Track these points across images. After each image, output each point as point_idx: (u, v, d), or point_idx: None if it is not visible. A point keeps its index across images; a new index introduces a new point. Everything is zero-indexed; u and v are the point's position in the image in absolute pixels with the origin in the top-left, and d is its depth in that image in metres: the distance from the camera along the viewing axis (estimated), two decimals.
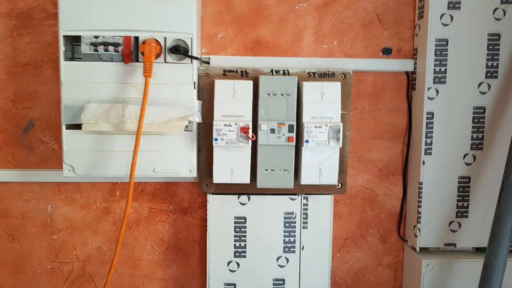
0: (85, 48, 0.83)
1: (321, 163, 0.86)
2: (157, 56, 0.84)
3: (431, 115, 0.92)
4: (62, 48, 0.83)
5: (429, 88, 0.92)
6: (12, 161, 0.95)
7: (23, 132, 0.94)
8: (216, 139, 0.84)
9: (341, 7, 0.95)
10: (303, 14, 0.95)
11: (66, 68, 0.83)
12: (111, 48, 0.83)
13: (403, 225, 1.01)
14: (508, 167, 0.85)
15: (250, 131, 0.84)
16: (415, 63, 0.97)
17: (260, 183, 0.86)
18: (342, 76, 0.92)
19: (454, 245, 0.95)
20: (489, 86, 0.91)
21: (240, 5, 0.94)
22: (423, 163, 0.94)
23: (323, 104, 0.86)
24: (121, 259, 0.98)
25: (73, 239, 0.98)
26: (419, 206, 0.95)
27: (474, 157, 0.93)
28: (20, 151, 0.94)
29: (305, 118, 0.85)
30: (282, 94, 0.85)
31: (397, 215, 1.00)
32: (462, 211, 0.94)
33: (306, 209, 0.93)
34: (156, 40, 0.84)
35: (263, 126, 0.84)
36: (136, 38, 0.84)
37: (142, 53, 0.82)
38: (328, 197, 0.93)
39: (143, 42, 0.82)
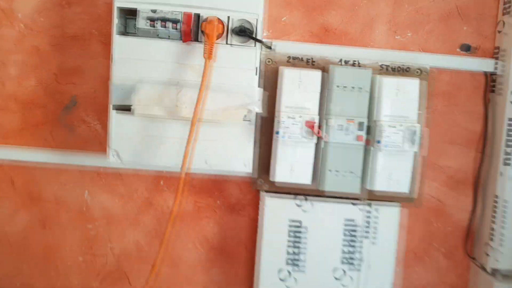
0: (141, 23, 0.75)
1: (393, 167, 0.77)
2: (219, 36, 0.76)
3: None
4: (115, 21, 0.76)
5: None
6: (50, 141, 0.88)
7: (64, 109, 0.87)
8: (278, 132, 0.76)
9: None
10: (376, 0, 0.86)
11: (119, 43, 0.76)
12: (169, 24, 0.75)
13: (471, 242, 0.91)
14: None
15: (316, 125, 0.75)
16: (496, 63, 0.87)
17: (325, 186, 0.77)
18: (417, 72, 0.82)
19: None
20: None
21: None
22: (501, 174, 0.84)
23: (399, 102, 0.77)
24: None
25: (109, 231, 0.90)
26: (493, 222, 0.85)
27: None
28: (59, 130, 0.87)
29: (378, 115, 0.76)
30: (353, 88, 0.76)
31: (465, 230, 0.90)
32: None
33: (369, 217, 0.84)
34: (219, 19, 0.75)
35: (332, 122, 0.75)
36: (197, 16, 0.75)
37: (203, 32, 0.74)
38: (395, 206, 0.84)
39: (205, 20, 0.74)
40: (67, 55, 0.85)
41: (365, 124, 0.75)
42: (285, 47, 0.83)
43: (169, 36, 0.76)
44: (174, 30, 0.75)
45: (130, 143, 0.78)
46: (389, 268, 0.84)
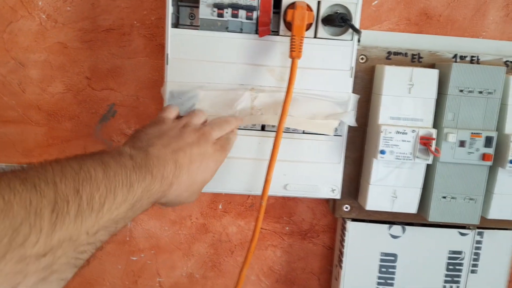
0: (205, 12, 0.57)
1: None
2: (308, 27, 0.58)
3: None
4: (170, 9, 0.58)
5: None
6: None
7: (100, 120, 0.70)
8: (383, 152, 0.59)
9: None
10: None
11: (175, 38, 0.58)
12: (242, 13, 0.57)
13: None
14: None
15: (434, 143, 0.58)
16: None
17: (433, 215, 0.62)
18: None
19: None
20: None
21: None
22: None
23: None
24: None
25: (157, 262, 0.75)
26: None
27: None
28: (96, 145, 0.71)
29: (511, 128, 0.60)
30: (480, 92, 0.59)
31: None
32: None
33: (479, 248, 0.69)
34: (308, 4, 0.57)
35: (451, 137, 0.59)
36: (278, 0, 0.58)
37: (288, 23, 0.56)
38: (509, 234, 0.69)
39: (291, 6, 0.56)
40: (103, 53, 0.67)
41: (495, 139, 0.59)
42: (379, 37, 0.66)
43: (241, 29, 0.58)
44: (249, 20, 0.57)
45: None
46: None
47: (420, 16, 0.68)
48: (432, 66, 0.63)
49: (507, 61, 0.64)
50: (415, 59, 0.64)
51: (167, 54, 0.59)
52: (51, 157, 0.68)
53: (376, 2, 0.68)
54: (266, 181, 0.57)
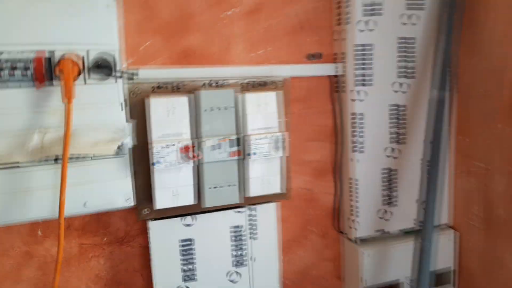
0: None
1: (265, 173, 0.86)
2: (78, 74, 0.74)
3: (356, 115, 0.98)
4: None
5: (351, 91, 0.97)
6: None
7: None
8: (154, 163, 0.78)
9: (268, 13, 0.95)
10: (229, 23, 0.92)
11: None
12: (18, 72, 0.70)
13: (338, 219, 1.07)
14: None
15: (191, 150, 0.79)
16: (336, 67, 1.01)
17: (207, 202, 0.83)
18: (272, 84, 0.92)
19: (384, 231, 1.04)
20: (408, 86, 1.00)
21: (164, 12, 0.87)
22: (351, 160, 1.00)
23: (261, 114, 0.86)
24: None
25: None
26: (351, 200, 1.02)
27: (395, 150, 1.02)
28: None
29: (246, 130, 0.84)
30: (219, 108, 0.82)
31: (332, 210, 1.06)
32: (389, 200, 1.03)
33: (255, 220, 0.92)
34: (73, 60, 0.73)
35: (208, 143, 0.81)
36: (48, 58, 0.72)
37: (60, 73, 0.71)
38: (272, 205, 0.94)
39: (59, 62, 0.71)
40: None
41: (235, 140, 0.82)
42: (148, 74, 0.85)
43: (20, 85, 0.71)
44: (25, 74, 0.71)
45: None
46: (274, 260, 0.95)
47: (182, 53, 0.89)
48: (191, 90, 0.84)
49: (242, 82, 0.89)
50: (175, 88, 0.84)
51: None
52: None
53: (142, 47, 0.87)
54: (60, 203, 0.71)
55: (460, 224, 1.09)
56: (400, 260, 1.02)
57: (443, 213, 1.09)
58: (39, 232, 0.84)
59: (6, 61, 0.69)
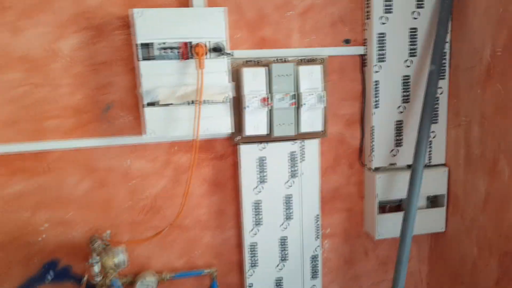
0: (156, 51, 1.25)
1: (312, 117, 1.37)
2: (205, 53, 1.28)
3: (376, 83, 1.44)
4: (140, 52, 1.24)
5: (374, 65, 1.43)
6: (98, 132, 1.35)
7: (103, 111, 1.34)
8: (245, 107, 1.31)
9: (315, 13, 1.43)
10: (290, 18, 1.42)
11: (144, 65, 1.25)
12: (174, 50, 1.26)
13: (363, 156, 1.55)
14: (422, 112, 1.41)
15: (267, 100, 1.31)
16: (365, 49, 1.48)
17: (276, 133, 1.35)
18: (321, 60, 1.41)
19: (393, 164, 1.51)
20: (412, 62, 1.45)
21: (248, 14, 1.39)
22: (373, 113, 1.47)
23: (311, 80, 1.36)
24: (179, 192, 1.43)
25: (145, 183, 1.41)
26: (372, 142, 1.49)
27: (405, 107, 1.48)
28: (103, 125, 1.35)
29: (299, 89, 1.35)
30: (285, 75, 1.33)
31: (358, 150, 1.54)
32: (398, 142, 1.49)
33: (303, 149, 1.43)
34: (202, 43, 1.27)
35: (277, 96, 1.32)
36: (189, 43, 1.27)
37: (196, 53, 1.25)
38: (316, 141, 1.44)
39: (196, 45, 1.26)
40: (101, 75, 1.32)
41: (293, 95, 1.33)
42: (240, 54, 1.37)
43: (173, 57, 1.26)
44: (176, 53, 1.26)
45: (159, 124, 1.28)
46: (316, 177, 1.46)
47: (259, 40, 1.40)
48: (266, 64, 1.36)
49: (299, 59, 1.38)
50: (256, 62, 1.36)
51: (140, 73, 1.25)
52: (78, 133, 1.32)
53: (236, 36, 1.39)
54: (196, 128, 1.26)
55: (450, 162, 1.53)
56: (403, 184, 1.48)
57: (440, 155, 1.53)
58: (176, 148, 1.41)
59: (166, 47, 1.25)
